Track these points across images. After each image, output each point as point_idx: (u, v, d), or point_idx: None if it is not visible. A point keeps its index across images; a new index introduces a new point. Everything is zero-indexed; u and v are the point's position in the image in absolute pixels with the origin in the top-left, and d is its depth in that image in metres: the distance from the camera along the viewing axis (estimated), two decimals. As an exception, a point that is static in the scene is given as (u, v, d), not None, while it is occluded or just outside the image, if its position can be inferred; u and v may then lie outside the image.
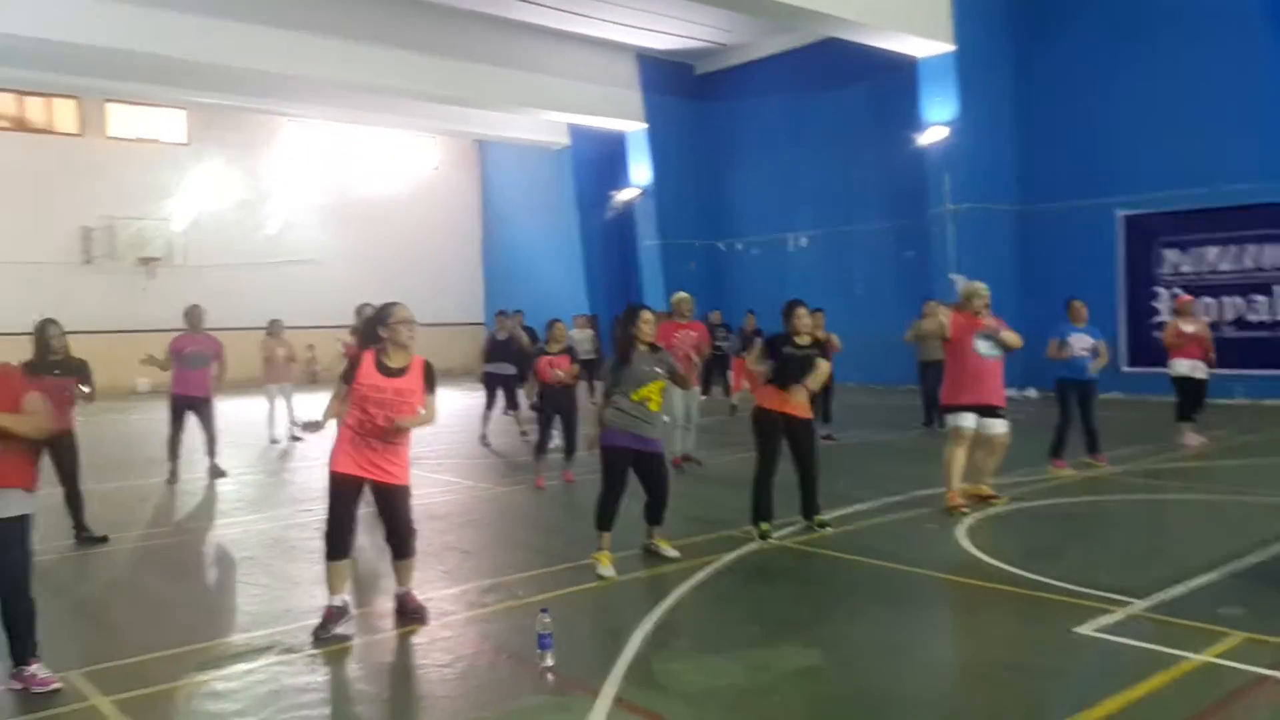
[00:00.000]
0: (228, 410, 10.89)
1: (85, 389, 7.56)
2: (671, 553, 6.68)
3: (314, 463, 11.81)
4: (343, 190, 28.59)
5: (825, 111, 21.67)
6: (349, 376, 5.35)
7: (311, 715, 4.23)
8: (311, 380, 14.57)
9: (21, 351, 7.37)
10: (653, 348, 6.59)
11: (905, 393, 16.50)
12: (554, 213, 27.94)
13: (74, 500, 7.63)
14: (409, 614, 5.48)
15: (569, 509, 8.97)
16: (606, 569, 6.32)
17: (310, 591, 6.13)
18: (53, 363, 7.38)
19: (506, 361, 13.26)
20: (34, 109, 24.27)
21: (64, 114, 24.62)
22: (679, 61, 24.34)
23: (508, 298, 23.43)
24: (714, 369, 16.32)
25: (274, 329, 13.83)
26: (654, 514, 6.70)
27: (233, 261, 25.95)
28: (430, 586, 6.05)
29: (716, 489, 9.18)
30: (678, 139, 24.20)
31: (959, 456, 7.91)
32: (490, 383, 13.34)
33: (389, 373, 5.35)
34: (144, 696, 4.46)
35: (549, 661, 4.60)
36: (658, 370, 6.52)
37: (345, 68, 19.40)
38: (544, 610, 4.74)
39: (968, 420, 7.90)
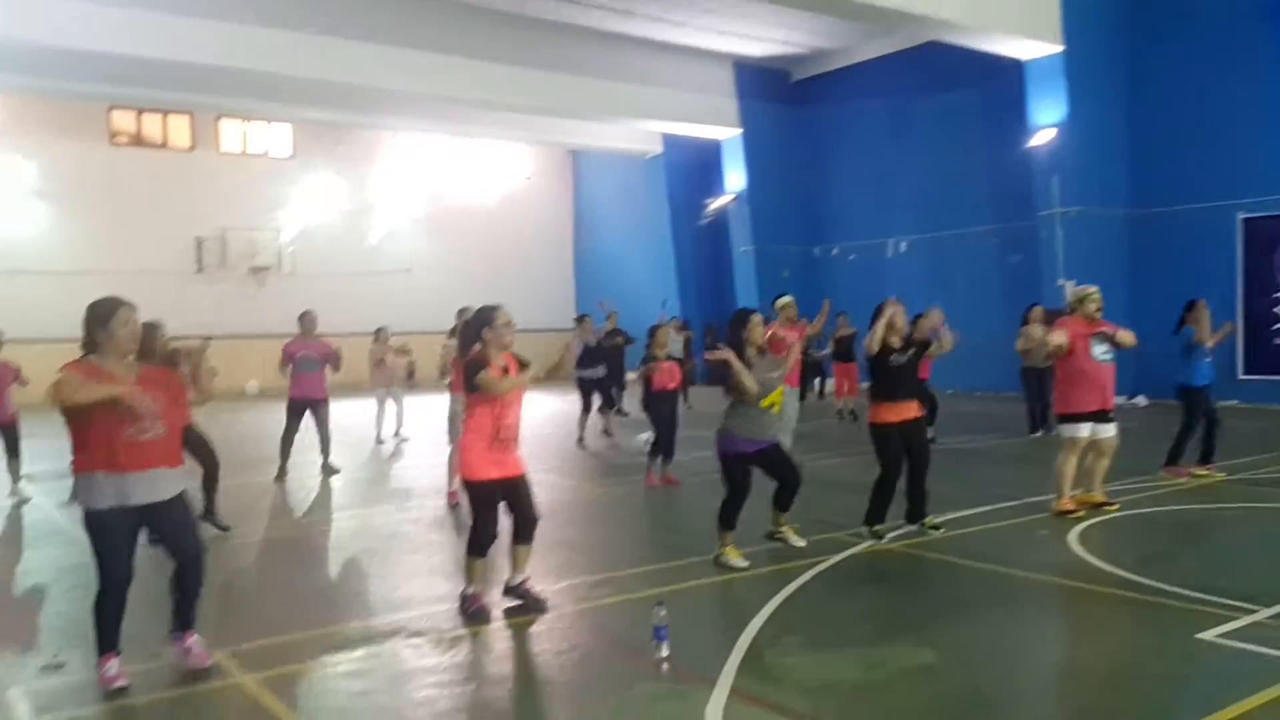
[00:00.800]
0: (335, 412, 11.36)
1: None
2: (798, 542, 6.86)
3: (419, 462, 12.28)
4: (439, 201, 29.40)
5: (927, 115, 21.49)
6: (474, 385, 5.49)
7: (440, 695, 4.46)
8: (409, 383, 15.03)
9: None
10: (760, 351, 6.71)
11: (1008, 400, 16.25)
12: (646, 220, 28.24)
13: (211, 484, 8.04)
14: (530, 602, 5.70)
15: (673, 508, 9.17)
16: (739, 560, 6.53)
17: (429, 581, 6.43)
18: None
19: (599, 364, 13.62)
20: (151, 125, 25.59)
21: (179, 130, 25.89)
22: (775, 68, 24.38)
23: (597, 304, 23.79)
24: (810, 374, 16.35)
25: (381, 335, 14.36)
26: (784, 500, 6.86)
27: (336, 270, 26.90)
28: (540, 580, 6.25)
29: (821, 491, 9.21)
30: (773, 145, 24.25)
31: (1072, 464, 7.84)
32: (585, 387, 13.67)
33: (505, 374, 5.59)
34: (283, 675, 4.76)
35: (664, 653, 4.75)
36: (774, 376, 6.65)
37: (444, 82, 20.00)
38: (660, 603, 4.89)
39: (1085, 431, 7.82)
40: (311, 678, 4.76)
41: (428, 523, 8.51)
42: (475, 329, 5.69)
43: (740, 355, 6.60)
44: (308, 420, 10.91)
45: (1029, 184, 18.48)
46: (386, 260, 28.29)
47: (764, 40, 22.35)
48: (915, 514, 7.42)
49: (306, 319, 11.17)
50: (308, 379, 10.87)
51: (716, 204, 25.43)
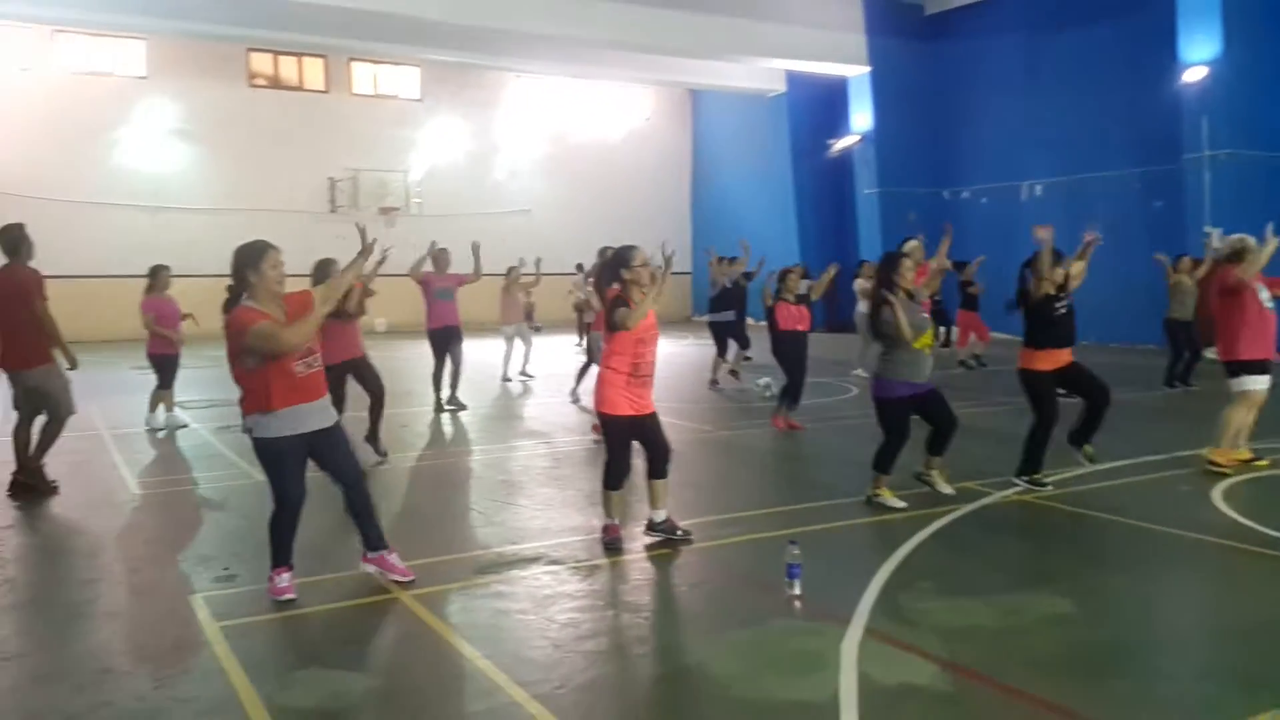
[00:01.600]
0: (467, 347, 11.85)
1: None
2: (946, 488, 6.91)
3: (546, 400, 12.64)
4: (559, 142, 29.67)
5: (1068, 51, 20.55)
6: (615, 323, 5.65)
7: (584, 618, 4.70)
8: (531, 323, 15.41)
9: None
10: (909, 294, 6.71)
11: (1143, 352, 15.67)
12: (766, 161, 27.93)
13: (377, 412, 8.57)
14: (675, 537, 5.90)
15: (801, 451, 9.25)
16: (895, 500, 6.63)
17: (563, 513, 6.71)
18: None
19: (729, 309, 13.66)
20: (287, 68, 26.46)
21: (313, 72, 26.73)
22: (908, 2, 23.61)
23: (717, 247, 23.70)
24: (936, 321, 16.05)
25: (513, 274, 14.68)
26: (939, 444, 6.89)
27: (459, 211, 27.50)
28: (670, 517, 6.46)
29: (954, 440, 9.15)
30: (903, 82, 23.59)
31: (1242, 418, 7.58)
32: (718, 331, 13.76)
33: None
34: (436, 592, 5.08)
35: (796, 590, 4.88)
36: (925, 316, 6.66)
37: (570, 22, 20.09)
38: (793, 542, 5.01)
39: (1264, 383, 7.56)
40: (460, 596, 5.07)
41: (558, 457, 8.81)
42: (613, 269, 5.85)
43: (884, 296, 6.63)
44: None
45: (1175, 125, 17.59)
46: (507, 201, 28.80)
47: (896, -26, 21.67)
48: (1082, 436, 7.23)
49: (442, 254, 11.64)
50: (447, 308, 11.48)
51: (841, 144, 24.97)
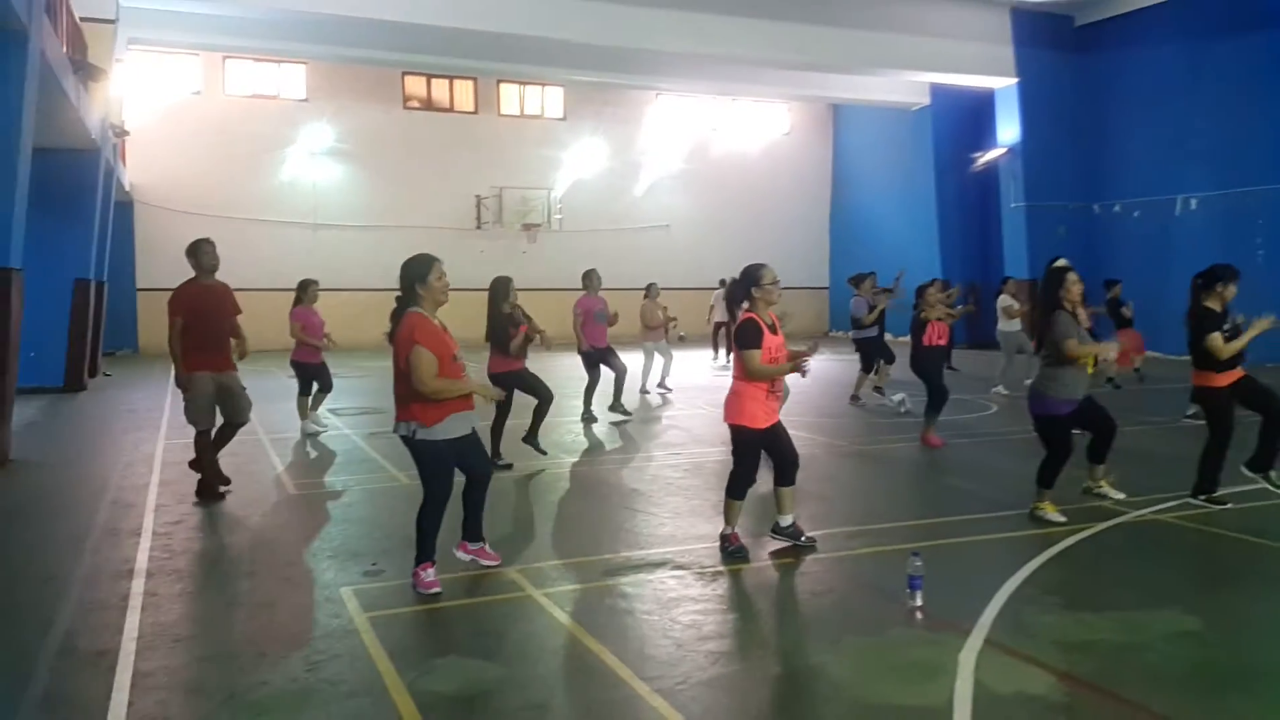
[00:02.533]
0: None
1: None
2: (1116, 494, 7.03)
3: (680, 413, 12.88)
4: (698, 158, 30.01)
5: (1225, 60, 19.63)
6: (756, 339, 5.83)
7: (704, 620, 4.89)
8: (675, 339, 15.62)
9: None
10: (1073, 311, 6.73)
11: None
12: (907, 175, 27.58)
13: (540, 414, 9.20)
14: (801, 543, 6.08)
15: (935, 467, 9.20)
16: (1056, 515, 6.68)
17: (690, 522, 6.91)
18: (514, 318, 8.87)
19: (874, 325, 13.61)
20: (439, 90, 27.69)
21: (464, 94, 27.90)
22: (1058, 13, 22.99)
23: (855, 263, 23.52)
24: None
25: (652, 292, 14.98)
26: (1099, 451, 7.04)
27: (599, 227, 28.17)
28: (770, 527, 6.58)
29: (1081, 457, 8.94)
30: (1052, 94, 22.98)
31: None
32: (864, 347, 13.70)
33: (773, 330, 5.94)
34: (567, 592, 5.37)
35: (918, 601, 4.95)
36: (1085, 336, 6.70)
37: (711, 41, 20.37)
38: (915, 553, 5.08)
39: None
40: (589, 596, 5.33)
41: (687, 468, 9.01)
42: (744, 288, 6.04)
43: (1057, 314, 6.66)
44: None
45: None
46: (646, 217, 29.31)
47: (1047, -17, 21.12)
48: (1260, 463, 7.14)
49: (593, 276, 12.16)
50: (600, 330, 11.93)
51: (987, 157, 24.46)
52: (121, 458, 9.87)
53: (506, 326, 8.78)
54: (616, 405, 12.12)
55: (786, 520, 6.15)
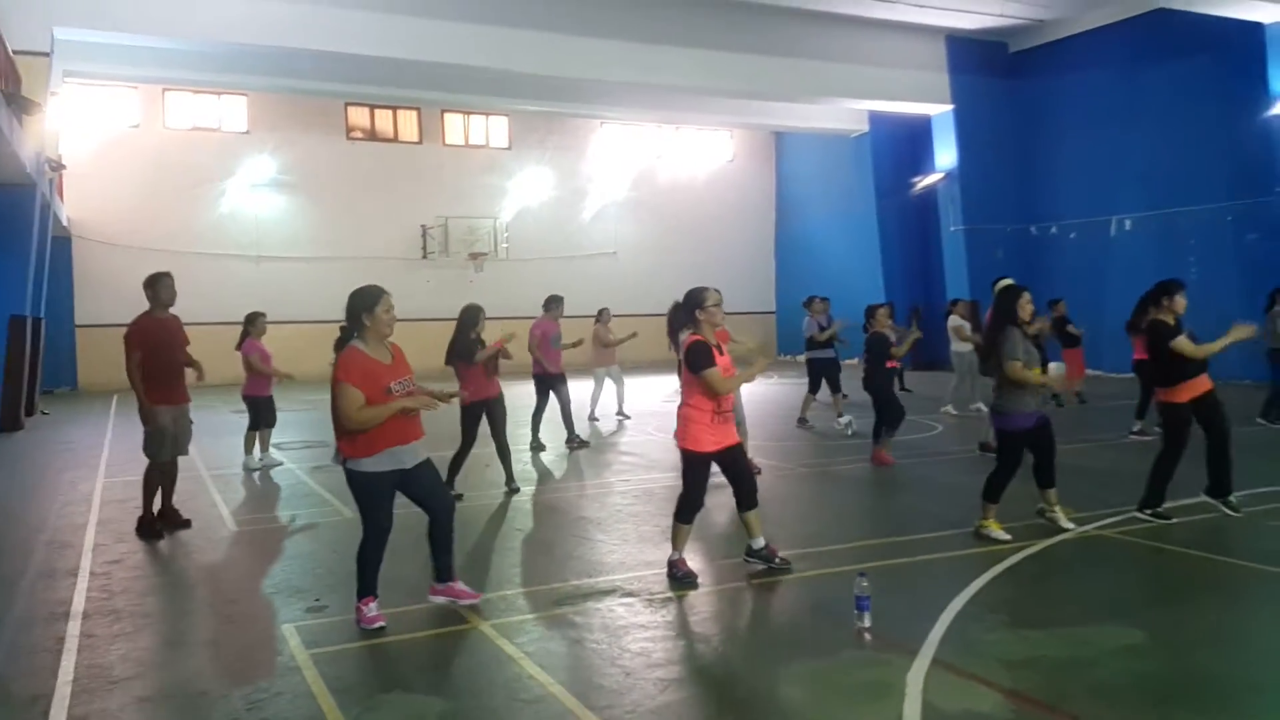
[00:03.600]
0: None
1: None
2: (1068, 525, 6.95)
3: (630, 439, 12.85)
4: (644, 185, 30.19)
5: (1156, 85, 20.22)
6: (709, 360, 5.84)
7: (655, 648, 4.85)
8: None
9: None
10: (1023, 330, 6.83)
11: (1240, 387, 15.16)
12: (849, 200, 27.97)
13: (505, 453, 9.13)
14: (775, 566, 6.08)
15: (881, 487, 9.28)
16: (1001, 533, 6.73)
17: (639, 548, 6.87)
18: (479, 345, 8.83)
19: (829, 346, 13.73)
20: (383, 120, 27.54)
21: (408, 124, 27.78)
22: (991, 40, 23.54)
23: (801, 286, 23.75)
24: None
25: (603, 317, 14.96)
26: (1046, 474, 6.99)
27: (545, 255, 28.16)
28: (740, 551, 6.57)
29: (1027, 475, 9.07)
30: (987, 119, 23.47)
31: None
32: (816, 369, 13.81)
33: (719, 351, 5.96)
34: (514, 623, 5.29)
35: (866, 623, 4.95)
36: (1034, 351, 6.78)
37: (653, 71, 20.53)
38: (861, 574, 5.09)
39: None
40: (536, 626, 5.26)
41: (636, 494, 8.97)
42: (688, 310, 6.05)
43: (1013, 330, 6.78)
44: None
45: (1269, 157, 17.11)
46: (593, 244, 29.37)
47: (979, 13, 21.57)
48: (1220, 488, 7.28)
49: (556, 302, 12.18)
50: (556, 355, 12.00)
51: (925, 182, 24.89)
52: (59, 497, 9.60)
53: (474, 349, 8.75)
54: (572, 438, 12.00)
55: (758, 543, 6.14)
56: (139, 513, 7.84)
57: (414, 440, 5.26)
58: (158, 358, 7.61)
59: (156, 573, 6.73)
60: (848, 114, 26.24)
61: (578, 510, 8.43)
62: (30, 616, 5.65)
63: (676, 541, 6.05)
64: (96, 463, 11.70)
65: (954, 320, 14.20)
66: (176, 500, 8.10)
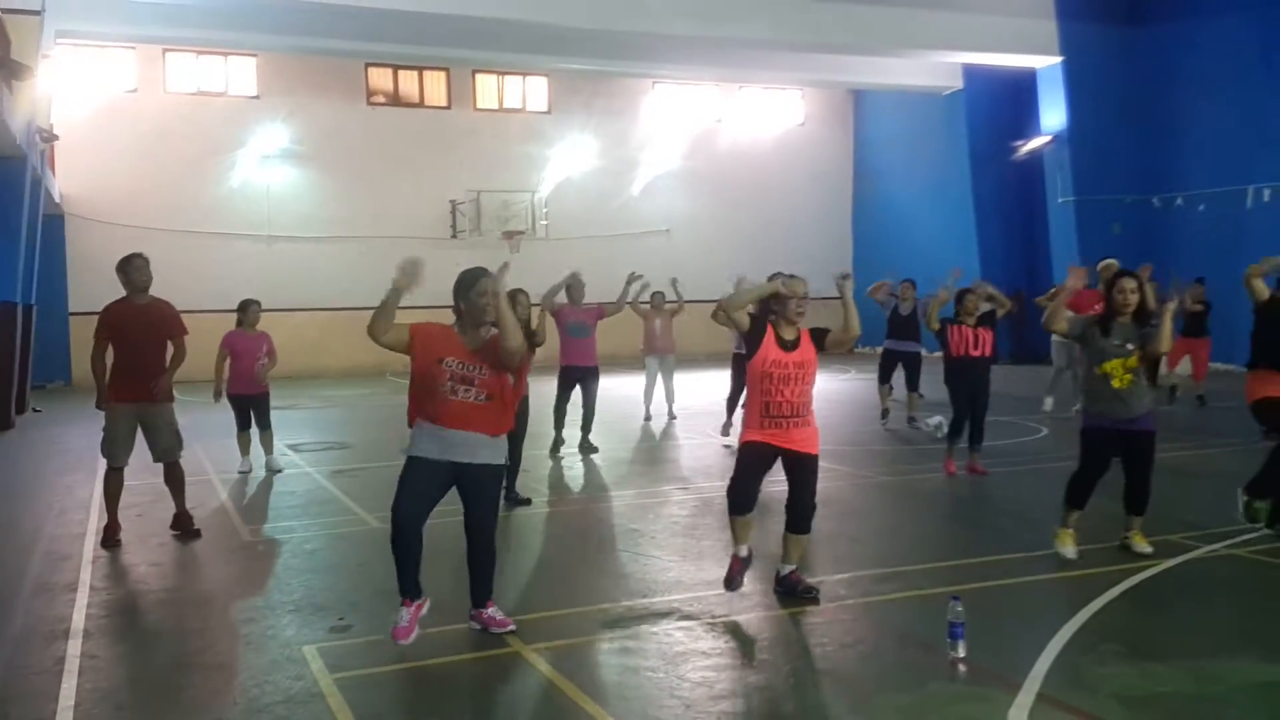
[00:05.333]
0: (602, 383, 12.21)
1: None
2: (1144, 548, 6.84)
3: (689, 442, 12.89)
4: (702, 153, 30.06)
5: (1302, 32, 19.75)
6: (755, 343, 5.99)
7: (719, 677, 4.90)
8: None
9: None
10: (1138, 319, 6.73)
11: None
12: (940, 167, 27.70)
13: (514, 462, 9.05)
14: (799, 594, 6.07)
15: (976, 500, 9.25)
16: (1068, 549, 6.71)
17: (698, 566, 6.93)
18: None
19: (912, 339, 13.64)
20: (407, 83, 27.83)
21: (434, 87, 28.01)
22: (1106, -20, 23.21)
23: (882, 267, 23.54)
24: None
25: (656, 301, 15.02)
26: (1132, 501, 6.90)
27: (592, 233, 28.25)
28: (820, 570, 6.61)
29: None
30: (1103, 74, 23.09)
31: None
32: (890, 360, 13.79)
33: (786, 346, 5.97)
34: (561, 647, 5.38)
35: (960, 652, 4.95)
36: (1129, 345, 6.67)
37: (714, 22, 20.51)
38: (955, 598, 5.08)
39: None
40: (586, 651, 5.34)
41: (696, 505, 9.02)
42: (764, 303, 6.12)
43: (1111, 318, 6.74)
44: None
45: None
46: (643, 221, 29.38)
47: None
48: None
49: (575, 284, 11.99)
50: (580, 346, 11.85)
51: (1029, 146, 24.58)
52: (54, 504, 9.89)
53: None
54: (585, 444, 12.04)
55: (785, 569, 6.19)
56: (141, 520, 8.06)
57: (460, 428, 5.34)
58: (124, 349, 7.83)
59: (162, 587, 6.92)
60: (938, 69, 25.97)
61: (628, 522, 8.51)
62: (27, 634, 5.84)
63: (733, 534, 6.17)
64: (94, 465, 11.99)
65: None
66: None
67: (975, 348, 10.03)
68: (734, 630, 5.60)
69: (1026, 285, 24.52)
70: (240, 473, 11.03)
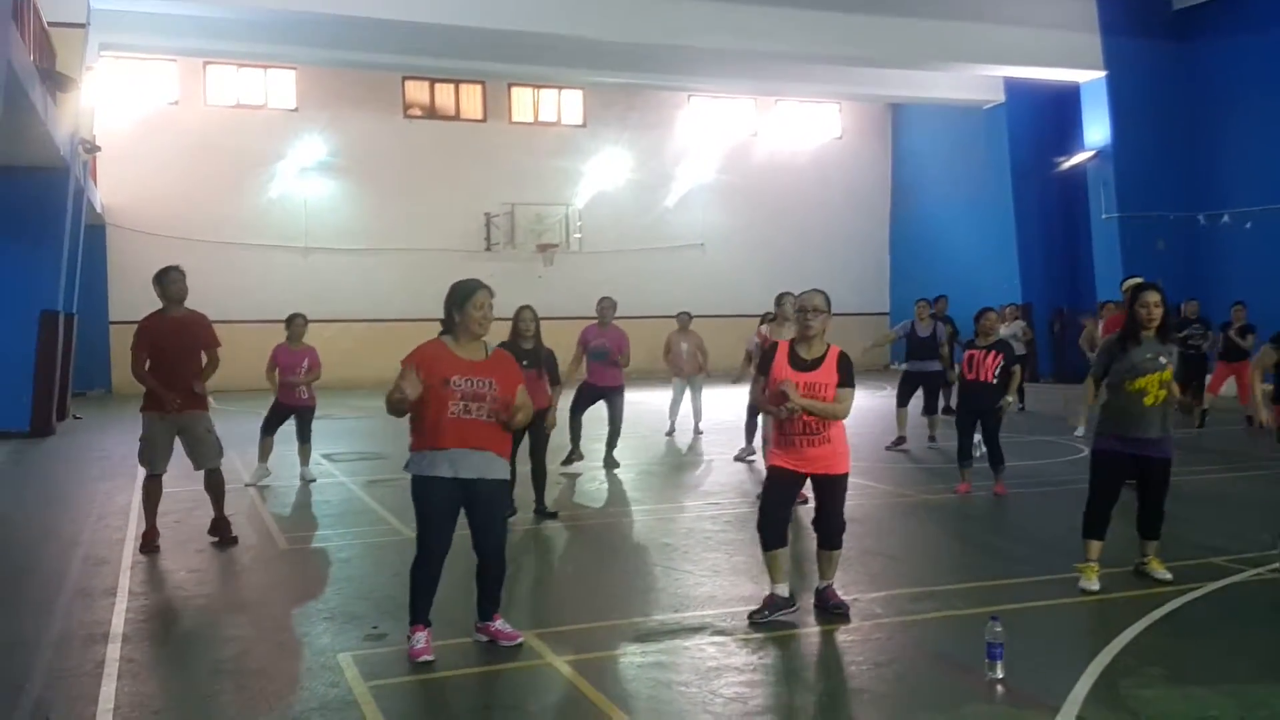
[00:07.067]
0: (631, 400, 12.24)
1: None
2: (1163, 574, 6.73)
3: (717, 457, 12.90)
4: (737, 168, 30.14)
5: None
6: (764, 366, 6.03)
7: (751, 694, 4.90)
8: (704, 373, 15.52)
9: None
10: (1160, 335, 6.64)
11: None
12: (980, 184, 27.61)
13: (539, 477, 9.21)
14: (830, 609, 6.07)
15: (1007, 520, 9.22)
16: (1090, 582, 6.53)
17: (732, 581, 6.94)
18: (524, 351, 8.73)
19: (931, 359, 13.58)
20: (443, 96, 28.12)
21: (470, 100, 28.30)
22: (1150, -5, 23.09)
23: (919, 284, 23.47)
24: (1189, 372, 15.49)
25: (682, 321, 15.07)
26: (1146, 525, 6.79)
27: (626, 247, 28.36)
28: (855, 588, 6.59)
29: (1192, 508, 8.88)
30: (1147, 88, 22.98)
31: None
32: (910, 381, 13.74)
33: (802, 366, 5.92)
34: (594, 659, 5.41)
35: (998, 673, 4.93)
36: (1162, 360, 6.55)
37: (751, 36, 20.57)
38: (994, 618, 5.06)
39: None
40: (619, 665, 5.36)
41: (728, 520, 9.04)
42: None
43: (1131, 334, 6.63)
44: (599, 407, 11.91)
45: None
46: (677, 235, 29.48)
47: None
48: None
49: (605, 305, 12.03)
50: (598, 369, 11.83)
51: (1072, 161, 24.45)
52: (94, 509, 10.05)
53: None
54: (610, 459, 12.03)
55: (820, 584, 6.22)
56: (179, 526, 8.18)
57: (470, 446, 5.32)
58: (161, 361, 7.99)
59: (200, 593, 7.02)
60: (979, 82, 25.90)
61: (661, 536, 8.54)
62: (68, 638, 5.95)
63: (769, 571, 6.09)
64: (133, 472, 12.15)
65: (1089, 330, 13.92)
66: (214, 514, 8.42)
67: (979, 372, 9.85)
68: (768, 646, 5.60)
69: (1069, 303, 24.39)
70: (246, 485, 11.00)
